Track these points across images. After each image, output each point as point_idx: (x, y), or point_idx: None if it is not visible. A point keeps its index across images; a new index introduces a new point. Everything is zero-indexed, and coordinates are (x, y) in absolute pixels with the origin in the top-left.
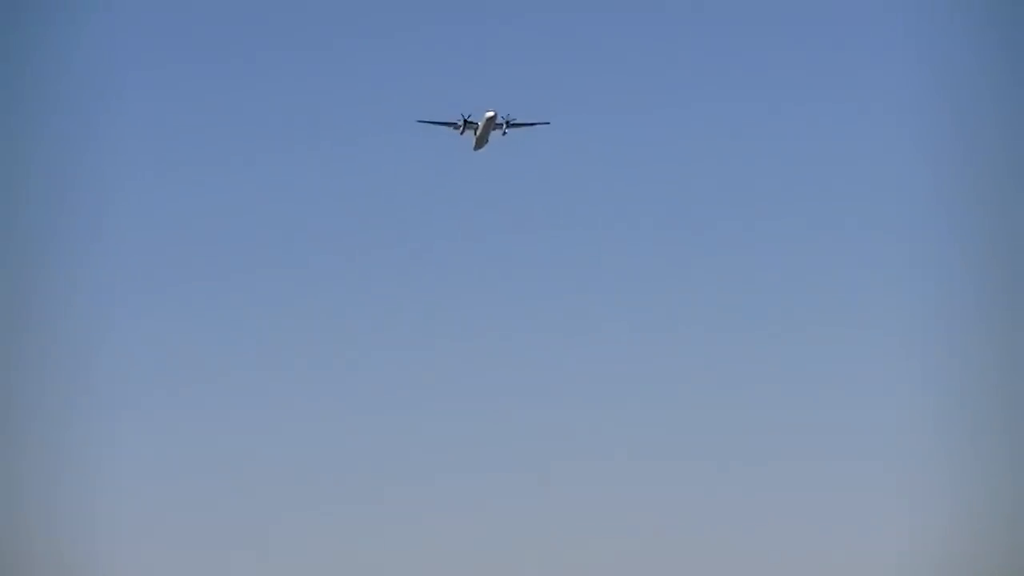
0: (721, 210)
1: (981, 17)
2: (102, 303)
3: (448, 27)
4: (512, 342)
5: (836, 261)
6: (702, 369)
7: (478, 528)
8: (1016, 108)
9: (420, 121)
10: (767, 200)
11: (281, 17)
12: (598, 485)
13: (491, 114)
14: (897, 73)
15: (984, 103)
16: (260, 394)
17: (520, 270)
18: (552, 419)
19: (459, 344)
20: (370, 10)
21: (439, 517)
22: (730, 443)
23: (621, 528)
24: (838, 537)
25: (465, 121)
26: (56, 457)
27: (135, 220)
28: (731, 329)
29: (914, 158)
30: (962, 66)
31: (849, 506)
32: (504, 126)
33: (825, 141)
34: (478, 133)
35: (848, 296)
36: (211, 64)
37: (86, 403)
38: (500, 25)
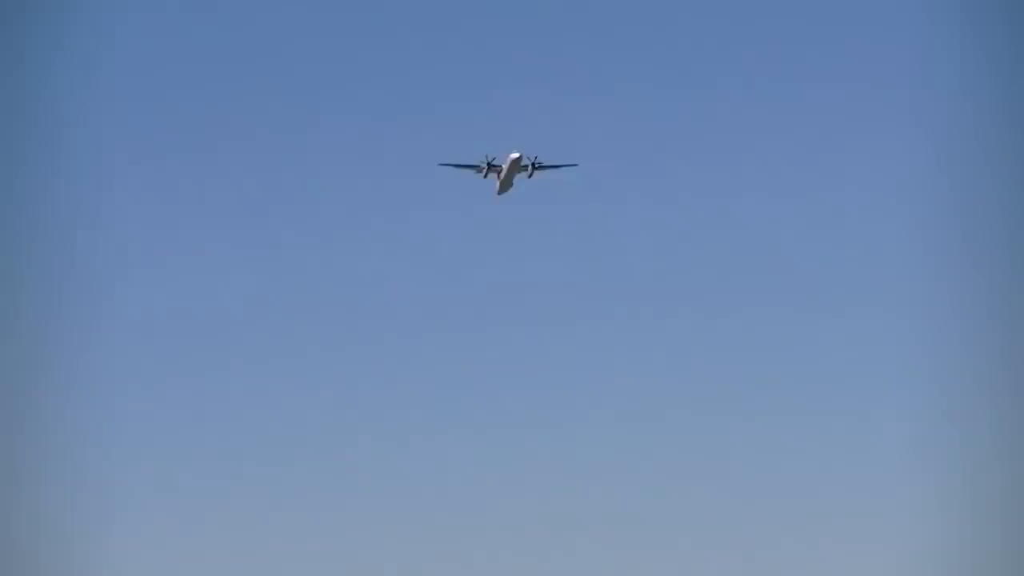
0: (760, 258)
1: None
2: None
3: (471, 66)
4: (534, 404)
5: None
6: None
7: None
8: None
9: (442, 164)
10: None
11: (299, 55)
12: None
13: (516, 156)
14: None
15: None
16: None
17: (544, 324)
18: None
19: (477, 404)
20: (390, 48)
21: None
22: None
23: None
24: None
25: (489, 164)
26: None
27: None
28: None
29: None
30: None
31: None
32: (530, 169)
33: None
34: (502, 176)
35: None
36: (216, 101)
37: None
38: (525, 63)
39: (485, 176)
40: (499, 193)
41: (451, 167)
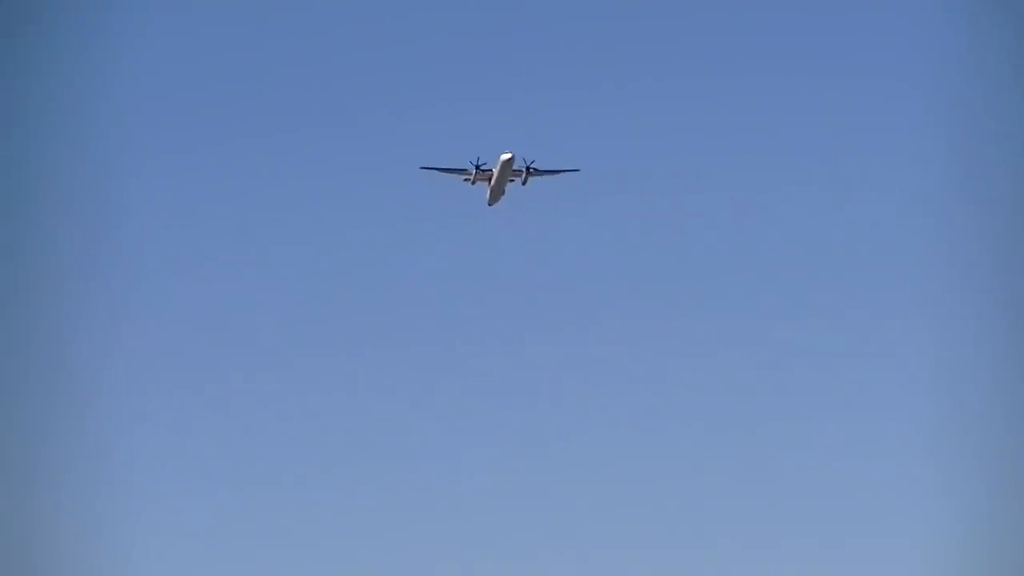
0: (767, 259)
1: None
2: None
3: (460, 59)
4: (528, 429)
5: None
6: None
7: None
8: None
9: (424, 168)
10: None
11: (275, 52)
12: None
13: (507, 157)
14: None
15: None
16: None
17: (540, 349)
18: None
19: (469, 436)
20: (369, 36)
21: None
22: None
23: None
24: None
25: (477, 168)
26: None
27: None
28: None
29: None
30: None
31: None
32: (524, 174)
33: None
34: (493, 182)
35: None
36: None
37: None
38: (520, 56)
39: (473, 183)
40: (490, 203)
41: (435, 171)
